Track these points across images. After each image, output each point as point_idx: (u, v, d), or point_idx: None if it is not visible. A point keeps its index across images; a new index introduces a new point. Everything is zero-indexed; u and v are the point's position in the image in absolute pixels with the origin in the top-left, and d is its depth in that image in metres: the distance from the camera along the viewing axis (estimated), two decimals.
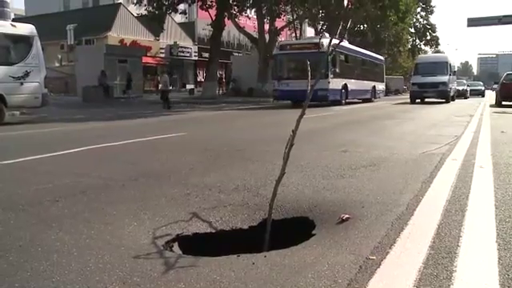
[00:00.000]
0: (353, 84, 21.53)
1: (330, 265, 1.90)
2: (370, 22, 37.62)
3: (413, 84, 23.03)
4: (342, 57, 20.63)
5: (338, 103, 19.03)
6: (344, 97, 19.97)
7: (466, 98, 30.81)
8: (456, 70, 25.91)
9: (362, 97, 23.77)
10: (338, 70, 19.16)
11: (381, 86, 28.20)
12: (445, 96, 21.97)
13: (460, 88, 30.51)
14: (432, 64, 23.67)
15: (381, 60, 29.76)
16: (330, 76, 18.11)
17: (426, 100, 22.45)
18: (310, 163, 4.38)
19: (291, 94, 18.59)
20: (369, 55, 26.64)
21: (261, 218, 2.65)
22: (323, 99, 17.63)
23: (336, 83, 18.99)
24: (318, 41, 18.62)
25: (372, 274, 1.80)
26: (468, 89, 34.18)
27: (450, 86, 22.41)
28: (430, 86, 21.70)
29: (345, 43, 21.45)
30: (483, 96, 36.83)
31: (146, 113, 14.97)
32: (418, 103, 21.40)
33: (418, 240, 2.17)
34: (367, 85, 24.64)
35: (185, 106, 19.20)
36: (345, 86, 20.07)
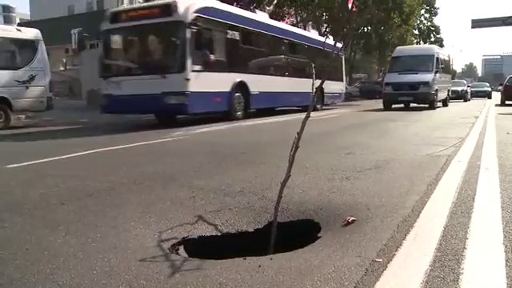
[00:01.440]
0: (264, 83, 12.65)
1: (336, 267, 1.89)
2: (373, 25, 37.63)
3: (386, 84, 17.44)
4: (232, 33, 11.71)
5: (227, 116, 11.25)
6: (241, 105, 11.72)
7: (465, 100, 26.91)
8: (443, 65, 19.17)
9: (293, 104, 15.21)
10: (217, 57, 10.86)
11: (336, 87, 18.38)
12: (427, 100, 16.79)
13: (459, 89, 26.88)
14: (412, 58, 17.98)
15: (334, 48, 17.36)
16: (193, 67, 9.85)
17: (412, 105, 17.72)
18: (314, 165, 4.38)
19: (126, 104, 10.20)
20: (305, 37, 16.88)
21: (266, 221, 2.65)
22: (177, 111, 10.48)
23: (210, 81, 10.38)
24: (168, 1, 10.07)
25: (378, 276, 1.79)
26: (469, 90, 30.19)
27: (436, 86, 17.03)
28: (407, 88, 16.59)
29: (241, 11, 13.07)
30: (490, 98, 33.28)
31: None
32: (402, 109, 16.91)
33: (424, 242, 2.16)
34: (303, 85, 13.71)
35: None
36: (241, 87, 11.60)
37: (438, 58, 17.94)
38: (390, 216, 2.62)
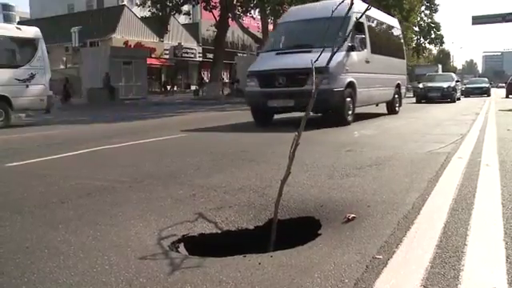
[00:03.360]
0: None
1: (337, 264, 1.89)
2: None
3: (249, 76, 9.30)
4: None
5: None
6: None
7: (453, 100, 20.51)
8: (383, 39, 11.65)
9: None
10: None
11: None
12: (325, 105, 7.95)
13: (444, 85, 20.63)
14: (309, 24, 9.32)
15: None
16: None
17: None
18: (315, 163, 4.37)
19: None
20: None
21: (266, 218, 2.64)
22: None
23: None
24: None
25: (379, 273, 1.79)
26: (459, 87, 24.12)
27: (351, 78, 8.81)
28: (283, 81, 8.53)
29: None
30: (488, 95, 29.61)
31: (149, 115, 15.02)
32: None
33: (424, 239, 2.16)
34: None
35: (187, 107, 19.28)
36: None
37: (362, 24, 9.42)
38: (390, 213, 2.61)
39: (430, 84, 21.30)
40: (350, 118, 8.80)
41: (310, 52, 7.91)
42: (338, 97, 8.37)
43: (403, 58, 13.52)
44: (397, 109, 12.29)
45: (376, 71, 10.26)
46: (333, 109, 8.56)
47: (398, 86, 12.38)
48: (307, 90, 6.94)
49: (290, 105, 8.38)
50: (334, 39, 7.49)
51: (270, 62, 9.06)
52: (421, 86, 21.43)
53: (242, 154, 5.27)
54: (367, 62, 9.74)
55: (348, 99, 8.72)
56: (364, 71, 9.49)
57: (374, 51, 10.11)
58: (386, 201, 2.89)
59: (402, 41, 14.07)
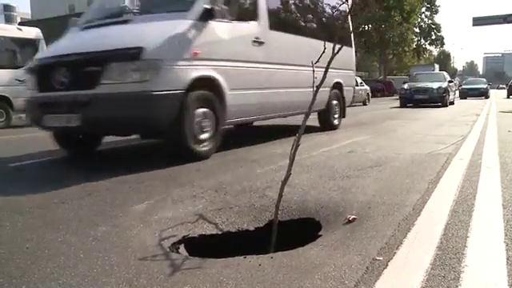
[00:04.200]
0: None
1: (337, 266, 1.89)
2: (374, 23, 37.58)
3: (27, 69, 5.40)
4: None
5: None
6: None
7: (445, 104, 17.46)
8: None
9: None
10: None
11: None
12: (140, 122, 4.36)
13: (434, 86, 17.63)
14: None
15: None
16: None
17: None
18: (315, 164, 4.37)
19: None
20: None
21: (267, 220, 2.64)
22: None
23: None
24: None
25: (379, 274, 1.79)
26: (452, 88, 20.45)
27: (199, 70, 4.55)
28: (68, 83, 4.39)
29: None
30: (487, 97, 27.62)
31: None
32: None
33: (425, 241, 2.16)
34: None
35: None
36: None
37: None
38: (390, 214, 2.61)
39: (417, 84, 18.30)
40: (203, 148, 4.88)
41: (126, 23, 4.91)
42: (166, 107, 4.40)
43: (349, 46, 8.63)
44: (335, 122, 8.15)
45: (283, 61, 6.18)
46: (159, 130, 4.66)
47: (338, 86, 8.04)
48: (101, 96, 4.18)
49: (73, 124, 4.39)
50: None
51: (63, 43, 5.28)
52: (406, 86, 18.53)
53: (243, 154, 5.27)
54: (258, 42, 5.66)
55: (199, 111, 4.76)
56: (249, 59, 5.51)
57: (276, 26, 6.03)
58: (387, 202, 2.89)
59: (349, 18, 7.76)
